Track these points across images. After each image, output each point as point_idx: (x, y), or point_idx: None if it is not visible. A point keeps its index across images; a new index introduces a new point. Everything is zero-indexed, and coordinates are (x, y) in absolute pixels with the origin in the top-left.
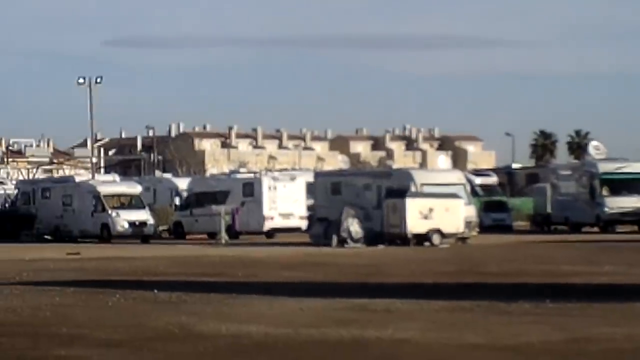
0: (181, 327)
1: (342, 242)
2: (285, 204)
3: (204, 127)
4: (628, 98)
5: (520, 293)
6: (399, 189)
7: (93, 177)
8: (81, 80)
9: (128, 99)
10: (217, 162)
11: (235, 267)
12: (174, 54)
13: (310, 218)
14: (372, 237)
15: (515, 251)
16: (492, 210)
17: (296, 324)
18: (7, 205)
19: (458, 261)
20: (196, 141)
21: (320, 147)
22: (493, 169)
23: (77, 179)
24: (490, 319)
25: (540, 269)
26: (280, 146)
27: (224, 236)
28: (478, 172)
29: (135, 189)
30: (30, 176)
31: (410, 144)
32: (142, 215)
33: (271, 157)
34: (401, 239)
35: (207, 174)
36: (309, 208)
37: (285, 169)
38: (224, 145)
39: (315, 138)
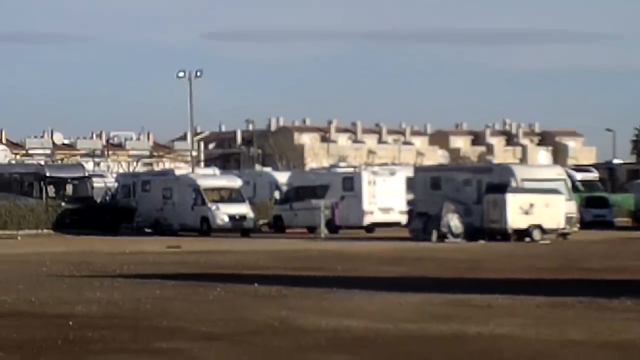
0: (281, 321)
1: (442, 237)
2: (385, 198)
3: (304, 121)
4: None
5: (622, 289)
6: (499, 184)
7: (193, 170)
8: (181, 74)
9: (228, 93)
10: (316, 156)
11: (334, 262)
12: (275, 47)
13: (409, 213)
14: (472, 233)
15: (616, 247)
16: (593, 206)
17: (396, 319)
18: (107, 198)
19: (559, 257)
20: (296, 135)
21: (419, 142)
22: (594, 165)
23: (177, 172)
24: (591, 315)
25: None
26: (380, 141)
27: (323, 230)
28: (579, 168)
29: (235, 182)
30: (131, 169)
31: (511, 139)
32: (242, 208)
33: (370, 152)
34: (501, 234)
35: (307, 168)
36: (409, 203)
37: (385, 164)
38: (324, 139)
39: (414, 133)
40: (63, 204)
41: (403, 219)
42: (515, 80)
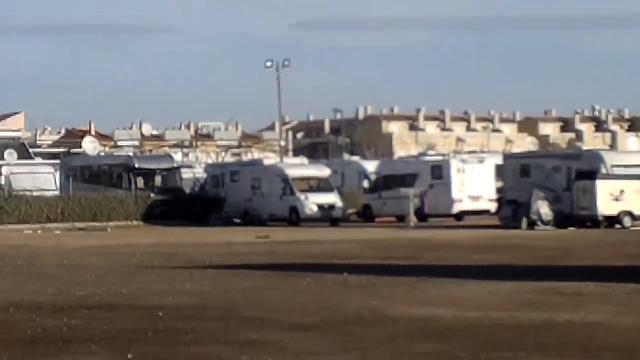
0: (371, 310)
1: (531, 224)
2: (474, 186)
3: (392, 110)
4: None
5: None
6: (589, 171)
7: (282, 160)
8: (269, 64)
9: (316, 82)
10: (405, 144)
11: (424, 250)
12: (362, 36)
13: (499, 201)
14: (561, 220)
15: None
16: None
17: (486, 307)
18: (196, 189)
19: None
20: (384, 124)
21: (508, 129)
22: None
23: (266, 162)
24: None
25: None
26: (469, 128)
27: (413, 219)
28: None
29: (324, 172)
30: (219, 160)
31: (600, 125)
32: (331, 198)
33: (459, 140)
34: (592, 221)
35: (395, 156)
36: (498, 190)
37: (474, 152)
38: (412, 127)
39: (503, 120)
40: (152, 195)
41: (492, 207)
42: (604, 65)
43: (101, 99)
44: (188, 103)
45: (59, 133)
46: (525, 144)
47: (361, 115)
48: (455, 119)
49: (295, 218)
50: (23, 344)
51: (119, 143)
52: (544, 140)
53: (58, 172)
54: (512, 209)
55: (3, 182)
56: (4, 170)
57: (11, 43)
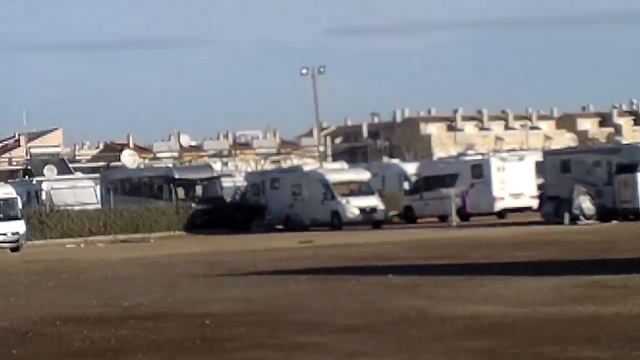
0: (418, 310)
1: (574, 219)
2: (515, 184)
3: (429, 112)
4: None
5: None
6: (629, 164)
7: (321, 165)
8: (304, 71)
9: (352, 87)
10: (443, 145)
11: (467, 249)
12: (396, 39)
13: (540, 197)
14: (604, 214)
15: None
16: None
17: (533, 302)
18: (237, 197)
19: None
20: (422, 125)
21: (546, 126)
22: None
23: (306, 168)
24: None
25: None
26: (507, 127)
27: (454, 218)
28: None
29: (364, 175)
30: (259, 168)
31: (639, 119)
32: (372, 201)
33: (498, 138)
34: (634, 214)
35: (434, 157)
36: (539, 187)
37: (513, 149)
38: (450, 128)
39: (541, 117)
40: (193, 205)
41: (534, 203)
42: None
43: (138, 112)
44: (225, 113)
45: (97, 147)
46: (564, 140)
47: (398, 118)
48: (492, 118)
49: (337, 222)
50: (71, 356)
51: (158, 155)
52: (582, 135)
53: (98, 186)
54: (554, 204)
55: (44, 197)
56: (45, 185)
57: (48, 59)
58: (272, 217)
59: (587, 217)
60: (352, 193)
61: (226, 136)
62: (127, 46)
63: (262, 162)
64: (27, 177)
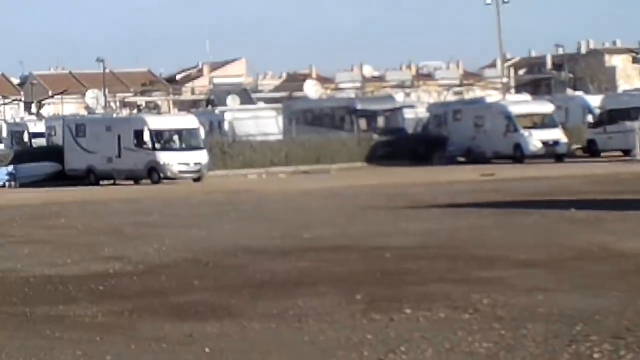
0: (600, 245)
1: None
2: None
3: (614, 43)
4: None
5: None
6: None
7: (504, 97)
8: (488, 1)
9: (536, 17)
10: (628, 78)
11: None
12: None
13: None
14: None
15: None
16: None
17: None
18: (418, 128)
19: None
20: (607, 57)
21: None
22: None
23: (488, 99)
24: None
25: None
26: None
27: (639, 152)
28: None
29: (547, 108)
30: (441, 99)
31: None
32: (555, 134)
33: None
34: None
35: (619, 90)
36: None
37: None
38: (635, 60)
39: None
40: (375, 136)
41: None
42: None
43: (321, 42)
44: (408, 43)
45: (280, 77)
46: None
47: (583, 49)
48: None
49: (519, 155)
50: (252, 287)
51: (340, 85)
52: None
53: (280, 116)
54: None
55: (226, 127)
56: (227, 115)
57: None
58: (453, 149)
59: None
60: (534, 126)
61: (409, 67)
62: None
63: (445, 93)
64: (209, 106)
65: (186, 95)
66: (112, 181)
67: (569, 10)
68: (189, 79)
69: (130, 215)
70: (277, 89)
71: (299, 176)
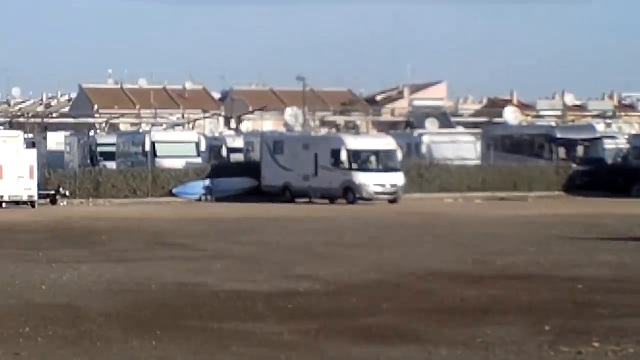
0: None
1: None
2: None
3: None
4: None
5: None
6: None
7: None
8: None
9: None
10: None
11: None
12: None
13: None
14: None
15: None
16: None
17: None
18: (618, 159)
19: None
20: None
21: None
22: None
23: None
24: None
25: None
26: None
27: None
28: None
29: None
30: None
31: None
32: None
33: None
34: None
35: None
36: None
37: None
38: None
39: None
40: (574, 165)
41: None
42: None
43: (523, 68)
44: (611, 72)
45: (480, 102)
46: None
47: None
48: None
49: None
50: (440, 313)
51: (540, 112)
52: None
53: (478, 141)
54: None
55: (424, 150)
56: (425, 138)
57: (437, 12)
58: None
59: None
60: None
61: (611, 97)
62: (510, 0)
63: None
64: (408, 128)
65: (385, 117)
66: (307, 199)
67: None
68: (388, 100)
69: (323, 234)
70: (476, 113)
71: (495, 202)
